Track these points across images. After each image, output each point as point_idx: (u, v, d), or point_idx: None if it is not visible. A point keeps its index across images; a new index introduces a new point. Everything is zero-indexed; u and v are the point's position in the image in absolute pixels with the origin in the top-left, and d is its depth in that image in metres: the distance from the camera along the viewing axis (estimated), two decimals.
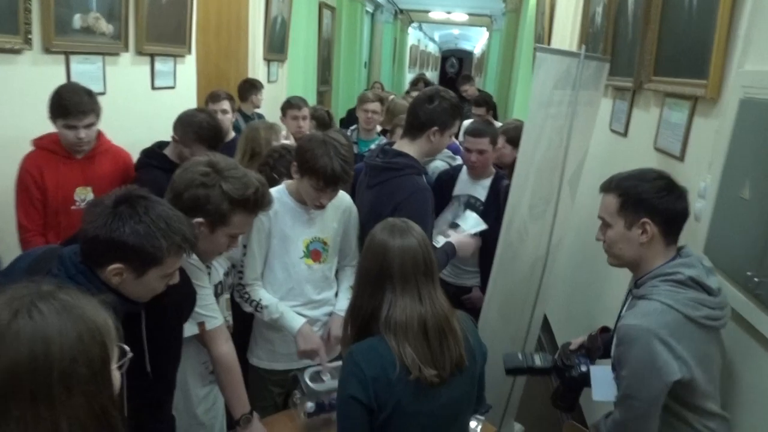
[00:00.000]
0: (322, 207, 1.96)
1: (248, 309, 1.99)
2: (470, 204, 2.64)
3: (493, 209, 2.54)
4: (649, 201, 1.47)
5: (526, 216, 2.19)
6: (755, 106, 1.62)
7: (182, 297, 1.53)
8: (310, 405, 1.85)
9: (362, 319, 1.41)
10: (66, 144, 2.30)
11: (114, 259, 1.23)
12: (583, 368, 1.70)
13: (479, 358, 1.47)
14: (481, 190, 2.66)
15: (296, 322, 1.95)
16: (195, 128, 2.39)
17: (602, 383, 1.58)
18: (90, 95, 2.30)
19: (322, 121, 3.92)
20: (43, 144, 2.31)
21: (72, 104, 2.21)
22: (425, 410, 1.35)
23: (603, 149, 3.03)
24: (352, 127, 3.98)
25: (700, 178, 1.88)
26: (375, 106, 3.78)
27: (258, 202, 1.61)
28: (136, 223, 1.23)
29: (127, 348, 0.91)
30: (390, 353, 1.33)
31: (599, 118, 3.36)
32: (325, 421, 1.89)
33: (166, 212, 1.29)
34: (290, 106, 3.76)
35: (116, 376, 0.88)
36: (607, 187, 1.57)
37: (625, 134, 2.81)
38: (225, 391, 1.77)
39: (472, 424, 1.62)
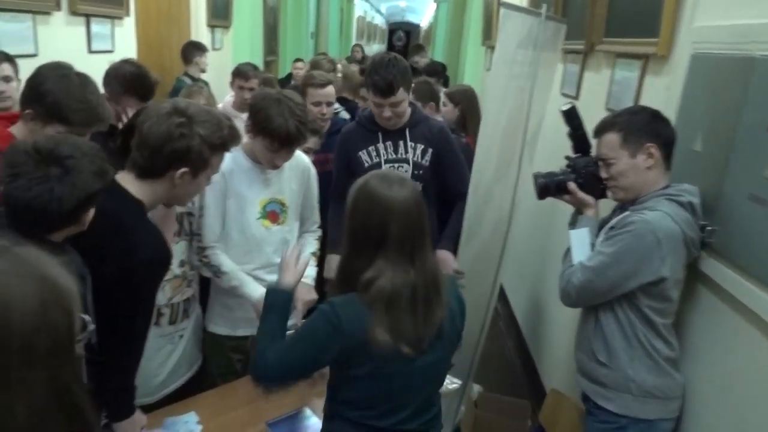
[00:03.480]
0: (276, 167, 1.90)
1: (207, 274, 1.92)
2: None
3: None
4: (647, 127, 1.57)
5: (491, 178, 2.20)
6: (705, 61, 1.66)
7: (158, 259, 1.47)
8: None
9: (348, 280, 1.31)
10: None
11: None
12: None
13: (459, 322, 1.42)
14: None
15: (256, 291, 1.88)
16: (120, 80, 2.21)
17: (580, 245, 1.66)
18: None
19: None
20: None
21: None
22: (399, 374, 1.32)
23: (555, 113, 3.07)
24: None
25: None
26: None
27: (232, 140, 1.56)
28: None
29: (88, 319, 0.82)
30: (371, 319, 1.25)
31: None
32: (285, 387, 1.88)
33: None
34: (238, 74, 3.56)
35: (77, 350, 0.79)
36: (602, 128, 1.64)
37: (576, 97, 2.85)
38: None
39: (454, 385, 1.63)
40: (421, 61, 6.26)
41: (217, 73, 4.87)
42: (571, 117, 1.80)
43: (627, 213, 1.58)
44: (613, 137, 1.60)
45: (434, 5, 14.15)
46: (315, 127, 2.41)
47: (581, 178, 1.74)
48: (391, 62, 2.19)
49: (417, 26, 24.25)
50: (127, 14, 3.81)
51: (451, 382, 1.92)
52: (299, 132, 1.81)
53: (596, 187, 1.71)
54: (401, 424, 1.37)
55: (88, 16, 3.34)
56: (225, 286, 1.91)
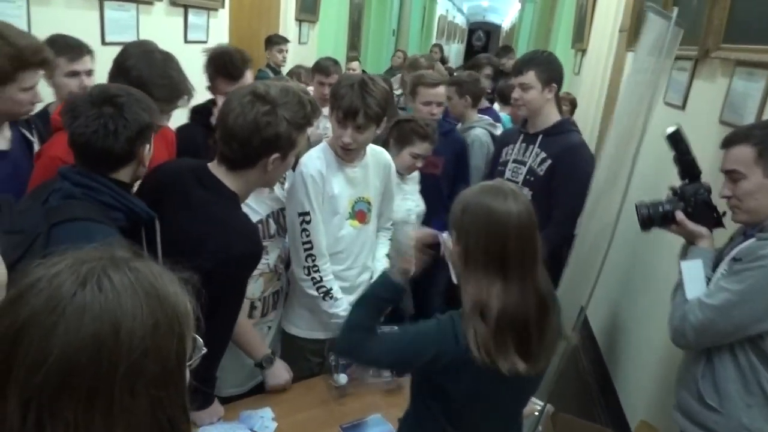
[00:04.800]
0: (345, 148, 1.81)
1: (310, 290, 1.84)
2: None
3: None
4: None
5: (599, 190, 2.07)
6: None
7: (252, 253, 1.48)
8: (342, 378, 1.79)
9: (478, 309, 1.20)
10: None
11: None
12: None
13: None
14: None
15: None
16: (210, 62, 2.16)
17: (693, 279, 1.50)
18: None
19: None
20: None
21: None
22: (498, 393, 1.26)
23: (655, 123, 2.87)
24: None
25: None
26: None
27: (314, 114, 1.53)
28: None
29: (200, 341, 0.73)
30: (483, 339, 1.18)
31: None
32: (362, 386, 1.84)
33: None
34: (318, 69, 3.48)
35: (186, 376, 0.70)
36: (733, 140, 1.48)
37: (682, 107, 2.65)
38: (240, 338, 1.69)
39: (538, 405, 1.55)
40: (508, 63, 6.04)
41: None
42: (677, 141, 1.64)
43: (752, 241, 1.41)
44: (746, 151, 1.43)
45: (518, 5, 13.83)
46: (425, 132, 2.29)
47: (691, 207, 1.58)
48: (539, 51, 2.46)
49: (498, 27, 23.86)
50: (222, 6, 3.90)
51: (534, 403, 1.81)
52: (366, 105, 1.73)
53: (709, 216, 1.56)
54: None
55: (186, 7, 3.45)
56: (325, 309, 1.85)
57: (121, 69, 1.70)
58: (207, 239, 1.37)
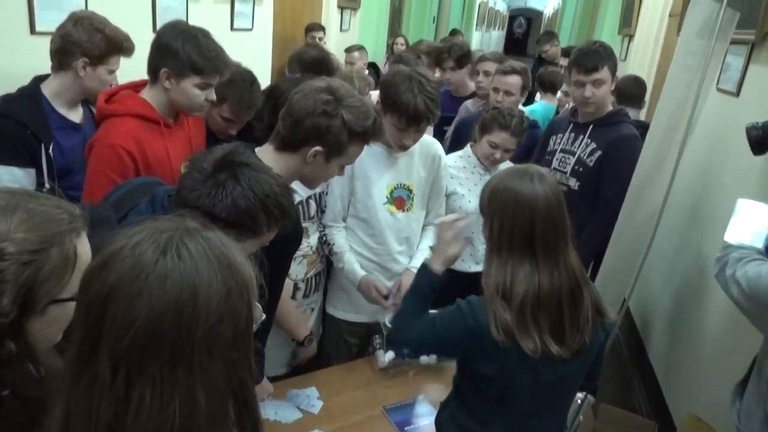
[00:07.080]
0: (405, 148, 1.84)
1: (326, 250, 1.95)
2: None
3: None
4: None
5: (643, 178, 2.04)
6: None
7: (292, 235, 1.50)
8: (385, 359, 1.82)
9: (499, 291, 1.22)
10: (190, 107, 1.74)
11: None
12: None
13: (601, 331, 1.31)
14: None
15: (357, 274, 1.89)
16: (299, 63, 2.28)
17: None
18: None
19: None
20: (135, 110, 1.66)
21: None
22: (540, 381, 1.25)
23: (707, 110, 2.78)
24: None
25: None
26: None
27: (374, 133, 1.52)
28: (238, 198, 1.13)
29: (260, 308, 0.78)
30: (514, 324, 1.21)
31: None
32: (404, 368, 1.87)
33: (269, 184, 1.18)
34: (400, 62, 3.19)
35: (252, 340, 0.74)
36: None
37: (736, 94, 2.56)
38: (284, 317, 1.75)
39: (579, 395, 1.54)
40: (552, 50, 5.86)
41: (342, 54, 4.94)
42: None
43: None
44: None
45: None
46: (505, 122, 2.17)
47: None
48: (598, 44, 2.33)
49: (540, 13, 23.33)
50: None
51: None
52: (428, 109, 1.74)
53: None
54: None
55: None
56: (335, 266, 1.94)
57: (168, 51, 1.64)
58: None
